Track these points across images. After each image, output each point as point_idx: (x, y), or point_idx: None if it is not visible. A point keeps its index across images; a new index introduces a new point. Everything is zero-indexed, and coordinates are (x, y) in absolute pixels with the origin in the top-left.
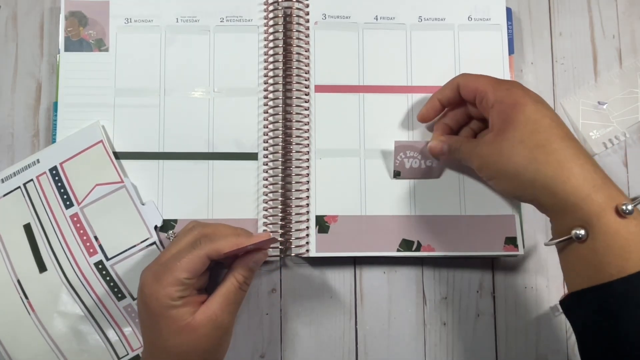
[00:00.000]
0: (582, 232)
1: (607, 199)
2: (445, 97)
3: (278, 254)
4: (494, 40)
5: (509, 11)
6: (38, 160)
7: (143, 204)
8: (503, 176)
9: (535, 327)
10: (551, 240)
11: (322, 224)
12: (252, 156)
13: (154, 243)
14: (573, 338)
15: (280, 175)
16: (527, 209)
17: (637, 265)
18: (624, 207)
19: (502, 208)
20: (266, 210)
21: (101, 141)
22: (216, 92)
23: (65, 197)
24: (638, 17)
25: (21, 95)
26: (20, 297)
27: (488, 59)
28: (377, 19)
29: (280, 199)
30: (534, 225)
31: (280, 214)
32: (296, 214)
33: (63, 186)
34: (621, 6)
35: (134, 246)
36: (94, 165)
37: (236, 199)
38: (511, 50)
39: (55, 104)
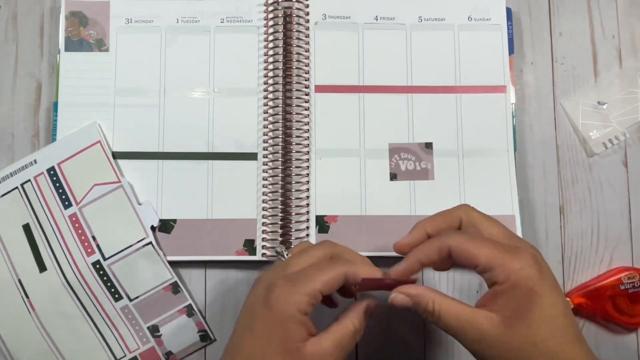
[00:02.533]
0: None
1: None
2: (429, 259)
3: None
4: (494, 40)
5: (509, 11)
6: (35, 161)
7: (140, 204)
8: None
9: None
10: None
11: (322, 224)
12: (252, 156)
13: (150, 243)
14: None
15: (280, 175)
16: (527, 209)
17: None
18: None
19: (502, 208)
20: (266, 210)
21: (99, 141)
22: (216, 92)
23: (63, 197)
24: (638, 17)
25: (21, 95)
26: (21, 297)
27: (488, 59)
28: (377, 19)
29: (280, 199)
30: (534, 226)
31: (280, 214)
32: (296, 214)
33: (61, 186)
34: (621, 6)
35: (130, 246)
36: (92, 166)
37: (236, 199)
38: (511, 50)
39: (55, 104)
